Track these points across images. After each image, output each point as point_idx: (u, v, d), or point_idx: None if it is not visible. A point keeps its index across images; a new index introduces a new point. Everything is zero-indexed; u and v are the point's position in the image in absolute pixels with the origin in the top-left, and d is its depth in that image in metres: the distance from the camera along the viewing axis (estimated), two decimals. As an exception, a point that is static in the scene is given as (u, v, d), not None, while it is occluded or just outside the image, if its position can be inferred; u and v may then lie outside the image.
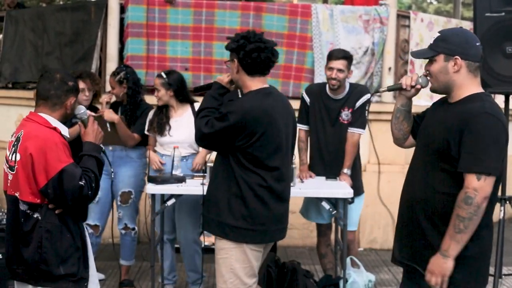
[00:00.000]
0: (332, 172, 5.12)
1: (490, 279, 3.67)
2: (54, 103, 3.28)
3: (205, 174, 4.61)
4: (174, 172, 4.80)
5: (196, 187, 4.47)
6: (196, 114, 3.70)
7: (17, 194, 3.21)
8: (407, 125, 3.33)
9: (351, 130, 5.12)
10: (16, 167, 3.19)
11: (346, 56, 5.13)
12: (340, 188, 4.82)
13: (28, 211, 3.19)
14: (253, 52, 3.54)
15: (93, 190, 3.22)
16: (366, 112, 5.20)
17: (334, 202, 4.84)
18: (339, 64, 5.04)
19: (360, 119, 5.12)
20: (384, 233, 7.19)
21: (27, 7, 10.73)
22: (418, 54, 3.21)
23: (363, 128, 5.17)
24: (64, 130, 3.32)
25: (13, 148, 3.21)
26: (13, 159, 3.20)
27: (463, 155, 2.88)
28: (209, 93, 3.76)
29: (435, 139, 3.02)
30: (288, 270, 5.06)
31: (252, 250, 3.61)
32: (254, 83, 3.61)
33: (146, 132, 5.26)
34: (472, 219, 2.86)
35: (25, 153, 3.14)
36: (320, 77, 6.81)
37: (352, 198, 4.77)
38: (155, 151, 5.23)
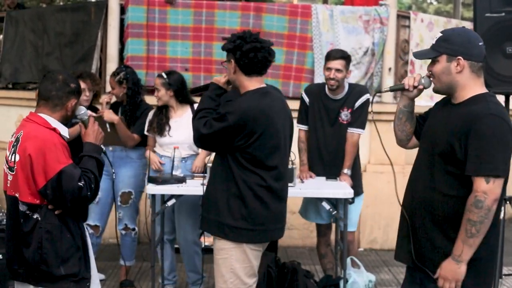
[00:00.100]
0: (331, 172, 5.12)
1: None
2: (55, 104, 3.28)
3: (205, 175, 4.61)
4: (174, 173, 4.80)
5: (196, 187, 4.47)
6: (194, 115, 3.69)
7: (16, 195, 3.21)
8: (410, 126, 3.30)
9: (350, 130, 5.12)
10: (15, 167, 3.19)
11: (344, 56, 5.13)
12: (341, 188, 4.82)
13: (28, 212, 3.19)
14: (250, 52, 3.54)
15: (92, 191, 3.22)
16: (367, 112, 5.21)
17: (334, 202, 4.85)
18: (337, 64, 5.04)
19: (359, 119, 5.13)
20: (384, 234, 7.19)
21: (27, 7, 10.73)
22: (420, 55, 3.17)
23: (363, 128, 5.17)
24: (64, 131, 3.31)
25: (13, 149, 3.21)
26: (13, 159, 3.20)
27: (470, 158, 2.86)
28: (206, 94, 3.76)
29: (439, 142, 2.99)
30: (288, 270, 5.06)
31: (252, 250, 3.62)
32: (252, 83, 3.62)
33: (145, 133, 5.26)
34: (484, 222, 2.84)
35: (24, 153, 3.14)
36: (320, 78, 6.81)
37: (353, 198, 4.77)
38: (154, 151, 5.23)
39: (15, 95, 8.03)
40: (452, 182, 2.96)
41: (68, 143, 3.30)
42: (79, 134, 3.52)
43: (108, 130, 5.09)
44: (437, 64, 3.02)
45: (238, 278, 3.62)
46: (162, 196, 4.87)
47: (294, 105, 5.34)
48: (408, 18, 7.53)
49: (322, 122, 5.19)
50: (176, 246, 5.41)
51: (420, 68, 7.37)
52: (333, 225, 5.47)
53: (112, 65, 6.98)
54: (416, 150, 3.43)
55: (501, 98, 4.84)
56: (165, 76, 5.15)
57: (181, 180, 4.70)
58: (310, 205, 5.33)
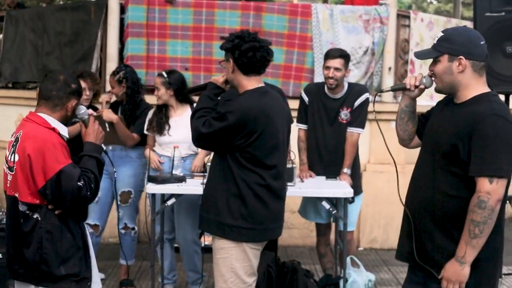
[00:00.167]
0: (331, 172, 5.12)
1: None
2: (55, 104, 3.27)
3: (205, 174, 4.61)
4: (174, 172, 4.80)
5: (196, 186, 4.46)
6: (192, 115, 3.68)
7: (16, 195, 3.20)
8: (412, 125, 3.29)
9: (350, 129, 5.13)
10: (15, 167, 3.18)
11: (343, 55, 5.13)
12: (341, 187, 4.82)
13: (28, 212, 3.18)
14: (249, 51, 3.54)
15: (92, 191, 3.21)
16: (367, 111, 5.21)
17: (334, 201, 4.85)
18: (336, 63, 5.04)
19: (359, 119, 5.13)
20: (384, 233, 7.19)
21: (27, 7, 10.73)
22: (421, 55, 3.15)
23: (362, 127, 5.17)
24: (63, 130, 3.30)
25: (12, 149, 3.21)
26: (12, 159, 3.19)
27: (473, 159, 2.84)
28: (204, 94, 3.76)
29: (442, 143, 2.98)
30: (288, 270, 5.06)
31: (251, 249, 3.62)
32: (250, 83, 3.61)
33: (145, 132, 5.26)
34: (487, 223, 2.82)
35: (23, 153, 3.13)
36: (320, 77, 6.81)
37: (352, 198, 4.77)
38: (153, 151, 5.22)
39: (15, 94, 8.03)
40: (455, 182, 2.94)
41: (68, 142, 3.29)
42: (79, 133, 3.51)
43: (107, 129, 5.09)
44: (438, 64, 3.00)
45: (238, 277, 3.61)
46: (162, 195, 4.87)
47: (294, 104, 5.35)
48: (408, 17, 7.53)
49: (321, 122, 5.19)
50: (175, 245, 5.41)
51: (420, 67, 7.37)
52: (333, 225, 5.47)
53: (112, 64, 6.98)
54: (416, 150, 3.43)
55: (501, 98, 4.86)
56: (165, 75, 5.15)
57: (181, 180, 4.70)
58: (310, 205, 5.33)
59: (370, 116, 5.51)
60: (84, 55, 7.30)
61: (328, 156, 5.19)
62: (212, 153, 3.84)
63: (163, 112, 5.19)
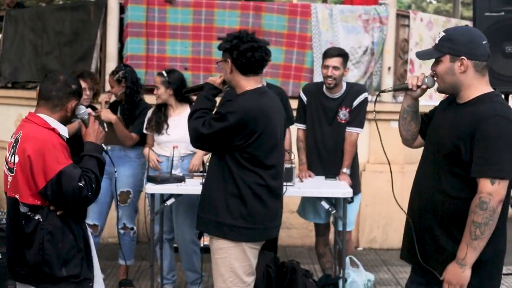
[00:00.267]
0: (330, 172, 5.12)
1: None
2: (54, 104, 3.26)
3: (204, 174, 4.61)
4: (173, 172, 4.79)
5: (195, 186, 4.46)
6: (190, 115, 3.68)
7: (17, 196, 3.19)
8: (415, 125, 3.27)
9: (349, 129, 5.12)
10: (15, 169, 3.17)
11: (341, 54, 5.12)
12: (340, 187, 4.82)
13: (29, 213, 3.17)
14: (247, 51, 3.53)
15: (93, 191, 3.20)
16: (366, 111, 5.21)
17: (333, 201, 4.84)
18: (334, 61, 5.04)
19: (358, 118, 5.13)
20: (383, 233, 7.18)
21: (27, 6, 10.71)
22: (423, 55, 3.12)
23: (361, 127, 5.17)
24: (63, 131, 3.29)
25: (12, 150, 3.19)
26: (12, 160, 3.18)
27: (475, 160, 2.83)
28: (202, 94, 3.75)
29: (445, 143, 2.96)
30: (287, 270, 5.06)
31: (250, 248, 3.62)
32: (249, 83, 3.61)
33: (144, 131, 5.25)
34: (488, 224, 2.81)
35: (23, 154, 3.12)
36: (319, 77, 6.80)
37: (352, 198, 4.76)
38: (153, 150, 5.22)
39: (14, 94, 8.02)
40: (458, 183, 2.93)
41: (68, 142, 3.28)
42: (80, 133, 3.51)
43: (106, 129, 5.08)
44: (440, 64, 2.99)
45: (238, 277, 3.61)
46: (161, 195, 4.87)
47: (293, 104, 5.35)
48: (408, 17, 7.53)
49: (320, 121, 5.18)
50: (175, 245, 5.40)
51: (420, 67, 7.37)
52: (332, 225, 5.47)
53: (111, 64, 6.98)
54: (416, 150, 3.43)
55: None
56: (165, 74, 5.15)
57: (180, 180, 4.70)
58: (309, 205, 5.33)
59: (369, 116, 5.51)
60: (84, 55, 7.30)
61: (327, 156, 5.19)
62: (210, 153, 3.84)
63: (162, 111, 5.19)
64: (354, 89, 5.18)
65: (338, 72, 5.04)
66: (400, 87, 3.30)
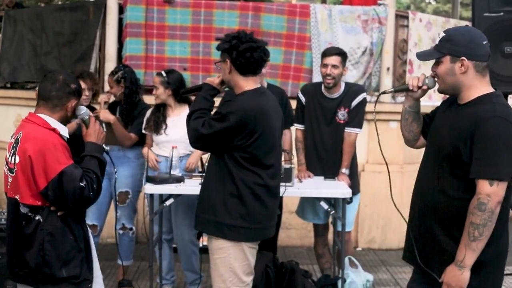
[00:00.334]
0: (329, 172, 5.12)
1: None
2: (54, 104, 3.25)
3: (203, 174, 4.61)
4: (172, 172, 4.79)
5: (194, 187, 4.46)
6: (188, 116, 3.68)
7: (17, 197, 3.18)
8: (417, 126, 3.26)
9: (348, 129, 5.13)
10: (15, 169, 3.16)
11: (340, 52, 5.13)
12: (339, 188, 4.82)
13: (29, 214, 3.16)
14: (246, 51, 3.54)
15: (94, 191, 3.19)
16: (364, 111, 5.21)
17: (332, 202, 4.85)
18: (333, 60, 5.05)
19: (356, 119, 5.13)
20: (382, 233, 7.19)
21: (26, 7, 10.72)
22: (423, 56, 3.11)
23: (360, 127, 5.17)
24: (64, 131, 3.29)
25: (12, 150, 3.18)
26: (13, 161, 3.17)
27: (475, 161, 2.82)
28: (200, 95, 3.76)
29: (445, 144, 2.96)
30: (286, 270, 5.06)
31: (249, 248, 3.63)
32: (248, 83, 3.61)
33: (143, 131, 5.25)
34: (487, 225, 2.80)
35: (24, 155, 3.12)
36: (318, 77, 6.80)
37: (350, 198, 4.77)
38: (151, 150, 5.22)
39: (13, 94, 8.02)
40: (458, 184, 2.92)
41: (68, 143, 3.28)
42: (80, 133, 3.50)
43: (104, 129, 5.08)
44: (441, 65, 2.98)
45: (237, 277, 3.62)
46: (160, 195, 4.87)
47: (292, 104, 5.35)
48: (407, 17, 7.53)
49: (318, 122, 5.19)
50: (174, 245, 5.40)
51: (419, 67, 7.37)
52: (331, 225, 5.47)
53: (110, 64, 6.98)
54: (415, 150, 3.42)
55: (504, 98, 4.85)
56: (164, 74, 5.16)
57: (179, 180, 4.70)
58: (307, 205, 5.33)
59: (368, 116, 5.52)
60: (83, 55, 7.30)
61: (326, 156, 5.19)
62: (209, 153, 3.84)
63: (161, 111, 5.19)
64: (353, 90, 5.18)
65: (337, 71, 5.04)
66: (401, 88, 3.30)
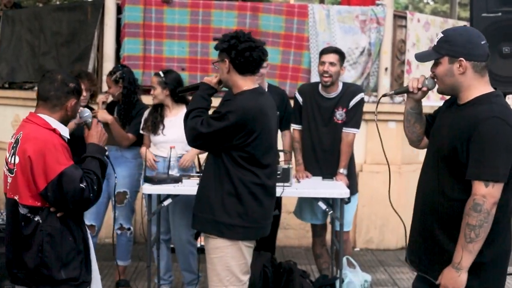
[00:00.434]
0: (327, 172, 5.12)
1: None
2: (54, 104, 3.24)
3: (201, 174, 4.60)
4: (170, 172, 4.79)
5: (192, 187, 4.45)
6: (186, 115, 3.68)
7: (16, 198, 3.17)
8: (420, 127, 3.26)
9: (345, 130, 5.12)
10: (15, 170, 3.15)
11: (338, 51, 5.15)
12: (337, 188, 4.82)
13: (29, 215, 3.16)
14: (245, 51, 3.55)
15: (95, 193, 3.19)
16: (362, 111, 5.21)
17: (330, 202, 4.85)
18: (330, 57, 5.05)
19: (354, 119, 5.13)
20: (380, 233, 7.18)
21: (24, 7, 10.72)
22: (422, 57, 3.11)
23: (358, 127, 5.17)
24: (64, 131, 3.28)
25: (12, 150, 3.18)
26: (12, 161, 3.16)
27: (471, 162, 2.81)
28: (198, 94, 3.76)
29: (444, 145, 2.95)
30: (284, 270, 5.06)
31: (246, 247, 3.64)
32: (246, 83, 3.62)
33: (140, 131, 5.25)
34: (483, 226, 2.78)
35: (24, 155, 3.11)
36: (316, 77, 6.78)
37: (349, 198, 4.76)
38: (149, 151, 5.21)
39: (11, 94, 8.01)
40: (457, 185, 2.91)
41: (69, 143, 3.27)
42: (80, 134, 3.50)
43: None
44: (439, 66, 2.98)
45: (234, 276, 3.62)
46: (158, 196, 4.87)
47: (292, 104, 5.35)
48: (405, 18, 7.53)
49: (315, 122, 5.18)
50: (172, 246, 5.40)
51: (417, 68, 7.38)
52: (329, 225, 5.47)
53: (108, 64, 6.97)
54: (413, 150, 3.42)
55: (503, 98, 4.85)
56: (162, 74, 5.15)
57: (177, 180, 4.69)
58: (306, 205, 5.33)
59: (366, 117, 5.52)
60: (81, 55, 7.29)
61: (324, 157, 5.19)
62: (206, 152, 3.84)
63: (158, 111, 5.19)
64: (351, 90, 5.18)
65: (335, 69, 5.04)
66: (401, 90, 3.30)
